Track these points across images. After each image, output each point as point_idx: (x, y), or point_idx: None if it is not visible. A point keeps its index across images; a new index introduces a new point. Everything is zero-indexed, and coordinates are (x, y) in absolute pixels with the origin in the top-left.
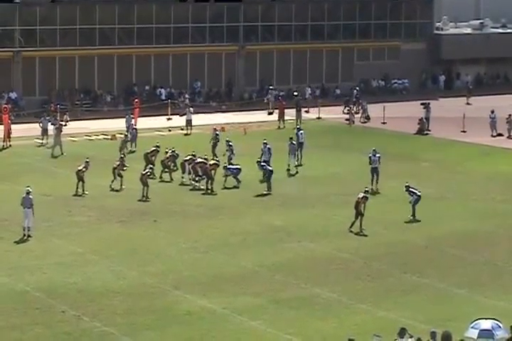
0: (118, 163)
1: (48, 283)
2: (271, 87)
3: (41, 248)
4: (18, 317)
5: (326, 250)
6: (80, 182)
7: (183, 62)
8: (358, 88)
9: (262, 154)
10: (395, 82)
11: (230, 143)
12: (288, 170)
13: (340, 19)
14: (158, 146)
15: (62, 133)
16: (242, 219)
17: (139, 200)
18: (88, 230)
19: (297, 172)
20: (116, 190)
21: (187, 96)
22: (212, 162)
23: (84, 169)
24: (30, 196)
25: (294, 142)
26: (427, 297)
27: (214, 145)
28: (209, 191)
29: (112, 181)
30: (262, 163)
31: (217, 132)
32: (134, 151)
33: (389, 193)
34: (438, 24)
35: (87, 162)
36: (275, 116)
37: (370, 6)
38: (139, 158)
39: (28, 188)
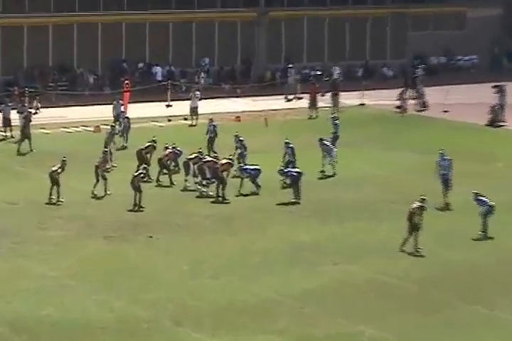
0: (100, 160)
1: (14, 315)
2: (290, 66)
3: (4, 270)
4: None
5: (368, 274)
6: (55, 187)
7: (186, 33)
8: (420, 66)
9: (284, 156)
10: (460, 59)
11: (241, 138)
12: (322, 171)
13: None
14: (154, 141)
15: (32, 123)
16: (261, 235)
17: (130, 210)
18: (65, 248)
19: (334, 173)
20: (100, 197)
21: (203, 75)
22: (224, 161)
23: (59, 170)
24: None
25: (327, 142)
26: (498, 334)
27: (211, 140)
28: (220, 198)
29: (95, 185)
30: (286, 170)
31: (214, 123)
32: (124, 147)
33: (453, 201)
34: None
35: (63, 161)
36: (302, 103)
37: None
38: (131, 155)
39: None
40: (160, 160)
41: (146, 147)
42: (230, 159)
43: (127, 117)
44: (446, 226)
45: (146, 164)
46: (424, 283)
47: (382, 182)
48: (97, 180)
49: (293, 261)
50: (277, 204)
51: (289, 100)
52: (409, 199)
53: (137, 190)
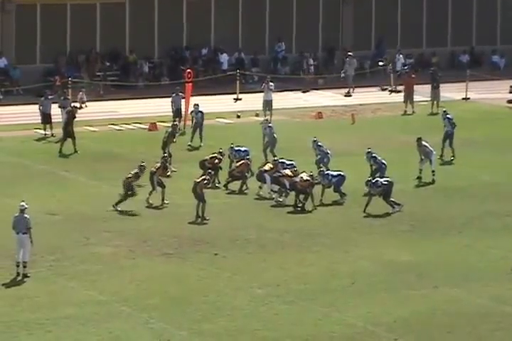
0: (158, 165)
1: None
2: (350, 54)
3: (44, 294)
4: None
5: (478, 300)
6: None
7: (258, 13)
8: None
9: (318, 157)
10: None
11: (319, 144)
12: (419, 177)
13: None
14: (221, 152)
15: (76, 119)
16: (348, 253)
17: (192, 223)
18: (115, 268)
19: (433, 180)
20: (157, 207)
21: (312, 61)
22: (305, 177)
23: (132, 178)
24: (26, 215)
25: (426, 144)
26: None
27: (166, 139)
28: (299, 208)
29: (150, 193)
30: (326, 172)
31: (270, 124)
32: (195, 148)
33: None
34: None
35: (141, 166)
36: (398, 97)
37: None
38: (198, 157)
39: (23, 204)
40: (230, 172)
41: (211, 158)
42: (311, 176)
43: (201, 111)
44: None
45: (210, 170)
46: None
47: (493, 190)
48: (153, 188)
49: (386, 284)
50: (366, 217)
51: (347, 95)
52: None
53: (200, 199)
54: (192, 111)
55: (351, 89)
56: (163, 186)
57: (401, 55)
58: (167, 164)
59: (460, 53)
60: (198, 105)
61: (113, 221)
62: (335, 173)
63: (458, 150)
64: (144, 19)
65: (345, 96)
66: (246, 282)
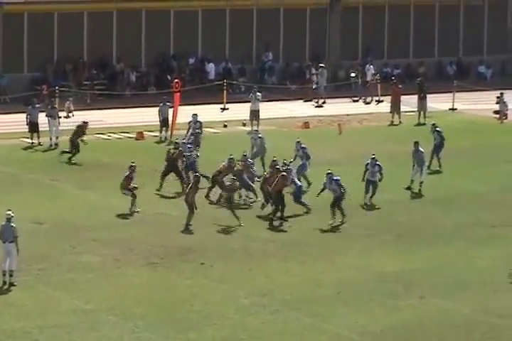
0: (128, 173)
1: None
2: (321, 65)
3: (31, 302)
4: None
5: (464, 310)
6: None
7: (246, 23)
8: None
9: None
10: None
11: (303, 145)
12: (408, 188)
13: None
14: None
15: (62, 128)
16: (334, 263)
17: (179, 232)
18: (101, 277)
19: (420, 191)
20: (143, 217)
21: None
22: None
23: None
24: (13, 224)
25: (422, 149)
26: None
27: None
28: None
29: (132, 204)
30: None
31: (260, 135)
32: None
33: None
34: None
35: (132, 166)
36: (382, 107)
37: None
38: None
39: (9, 213)
40: (214, 176)
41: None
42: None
43: (199, 121)
44: None
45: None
46: None
47: (480, 201)
48: (133, 196)
49: (372, 294)
50: (353, 227)
51: (318, 106)
52: None
53: (191, 208)
54: (190, 121)
55: (320, 103)
56: (134, 196)
57: (371, 66)
58: (134, 174)
59: (447, 64)
60: (196, 115)
61: (100, 230)
62: (299, 183)
63: (445, 160)
64: (132, 28)
65: (316, 107)
66: (232, 291)
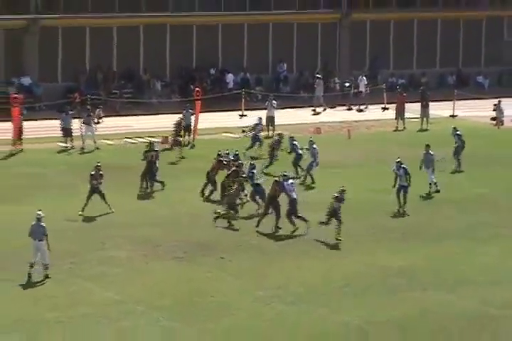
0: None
1: None
2: (318, 76)
3: (63, 294)
4: None
5: (466, 303)
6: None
7: (262, 36)
8: None
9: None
10: None
11: (314, 146)
12: (437, 190)
13: None
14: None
15: (96, 133)
16: (344, 259)
17: (198, 229)
18: (129, 270)
19: (437, 191)
20: (165, 216)
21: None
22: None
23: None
24: (43, 223)
25: (432, 152)
26: None
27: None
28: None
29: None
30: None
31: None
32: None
33: None
34: None
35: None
36: (389, 114)
37: None
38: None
39: (40, 213)
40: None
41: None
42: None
43: (259, 123)
44: None
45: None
46: None
47: (483, 202)
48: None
49: (378, 287)
50: (361, 226)
51: (360, 110)
52: None
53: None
54: (256, 124)
55: (322, 108)
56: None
57: (364, 77)
58: (100, 173)
59: (448, 74)
60: (261, 118)
61: (127, 228)
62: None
63: (447, 163)
64: (157, 41)
65: (313, 115)
66: (249, 284)
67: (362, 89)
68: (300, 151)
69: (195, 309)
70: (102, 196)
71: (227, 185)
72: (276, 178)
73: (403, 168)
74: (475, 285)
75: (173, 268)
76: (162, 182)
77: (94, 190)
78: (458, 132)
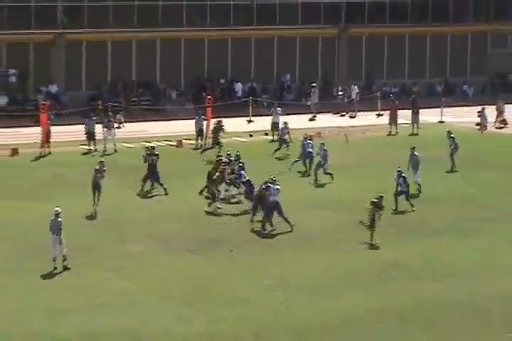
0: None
1: (95, 328)
2: (313, 85)
3: (83, 284)
4: None
5: (454, 292)
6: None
7: (268, 49)
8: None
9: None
10: None
11: (325, 148)
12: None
13: None
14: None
15: (116, 137)
16: (343, 252)
17: (208, 225)
18: (145, 262)
19: (419, 191)
20: (180, 212)
21: (356, 89)
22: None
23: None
24: (60, 218)
25: (417, 154)
26: None
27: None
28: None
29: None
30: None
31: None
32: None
33: None
34: None
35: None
36: (383, 120)
37: None
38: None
39: (57, 209)
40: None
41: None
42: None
43: (284, 125)
44: None
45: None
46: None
47: (468, 200)
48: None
49: (374, 278)
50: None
51: (352, 117)
52: (496, 215)
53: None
54: (282, 128)
55: (315, 115)
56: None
57: (355, 86)
58: (104, 168)
59: (436, 84)
60: (286, 123)
61: (143, 223)
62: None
63: (435, 164)
64: (172, 54)
65: (310, 120)
66: (256, 275)
67: (354, 97)
68: (311, 150)
69: (206, 298)
70: (99, 191)
71: (212, 175)
72: (266, 182)
73: (403, 176)
74: (461, 276)
75: (186, 261)
76: (165, 188)
77: (95, 185)
78: (452, 135)
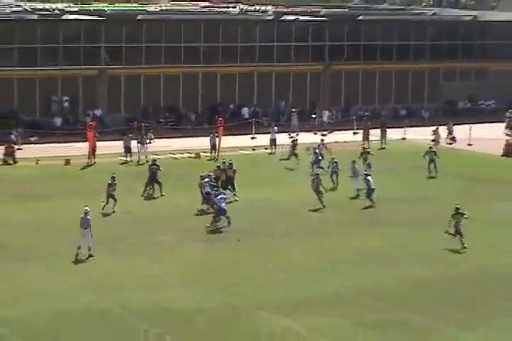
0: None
1: (132, 302)
2: (293, 110)
3: (116, 267)
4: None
5: (420, 271)
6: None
7: (267, 82)
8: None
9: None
10: (482, 104)
11: (336, 161)
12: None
13: (427, 40)
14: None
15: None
16: (330, 241)
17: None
18: (170, 249)
19: (357, 195)
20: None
21: (326, 113)
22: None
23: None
24: (88, 216)
25: (357, 166)
26: None
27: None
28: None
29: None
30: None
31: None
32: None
33: (483, 217)
34: None
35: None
36: (358, 137)
37: (457, 27)
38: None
39: (87, 208)
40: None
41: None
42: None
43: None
44: (486, 236)
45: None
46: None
47: (424, 201)
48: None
49: (356, 262)
50: (341, 218)
51: (323, 135)
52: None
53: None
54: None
55: (296, 134)
56: (114, 199)
57: (326, 111)
58: (114, 182)
59: (400, 108)
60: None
61: (169, 219)
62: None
63: (400, 174)
64: (192, 85)
65: (290, 138)
66: (260, 260)
67: (325, 119)
68: (320, 157)
69: (220, 278)
70: (115, 200)
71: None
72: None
73: (367, 180)
74: (424, 260)
75: (203, 248)
76: (162, 194)
77: (110, 195)
78: (432, 149)
